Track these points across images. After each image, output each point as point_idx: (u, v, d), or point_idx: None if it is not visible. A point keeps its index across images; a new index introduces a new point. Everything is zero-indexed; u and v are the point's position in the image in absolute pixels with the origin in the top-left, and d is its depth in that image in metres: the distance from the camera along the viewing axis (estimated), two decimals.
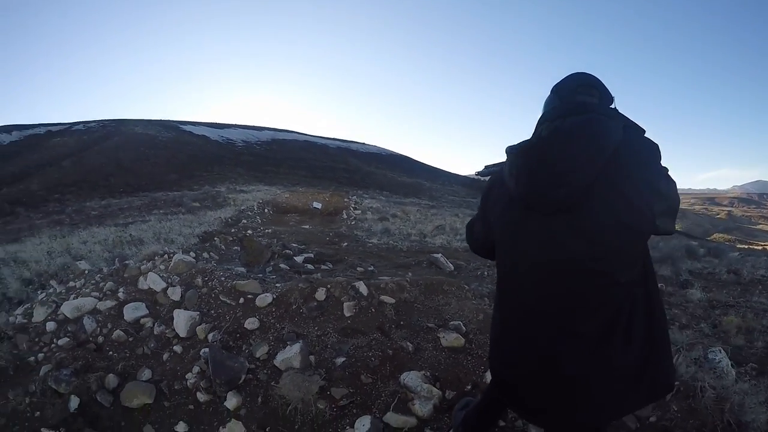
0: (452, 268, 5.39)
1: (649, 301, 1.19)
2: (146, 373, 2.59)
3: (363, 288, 3.23)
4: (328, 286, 3.27)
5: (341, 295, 3.18)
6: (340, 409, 2.17)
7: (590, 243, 1.11)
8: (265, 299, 3.19)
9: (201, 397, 2.37)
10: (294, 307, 3.13)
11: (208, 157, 34.54)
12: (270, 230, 10.22)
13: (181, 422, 2.20)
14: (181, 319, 3.01)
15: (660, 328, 1.23)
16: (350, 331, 2.83)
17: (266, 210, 14.62)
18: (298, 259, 6.32)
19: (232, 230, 10.06)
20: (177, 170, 28.96)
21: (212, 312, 3.16)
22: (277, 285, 3.48)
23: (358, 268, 5.39)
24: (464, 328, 2.77)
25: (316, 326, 2.91)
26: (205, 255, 7.05)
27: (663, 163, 1.18)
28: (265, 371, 2.49)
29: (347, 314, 3.02)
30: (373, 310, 3.05)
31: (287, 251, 6.90)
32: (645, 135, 1.19)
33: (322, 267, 5.83)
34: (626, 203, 1.09)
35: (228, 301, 3.24)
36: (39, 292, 3.75)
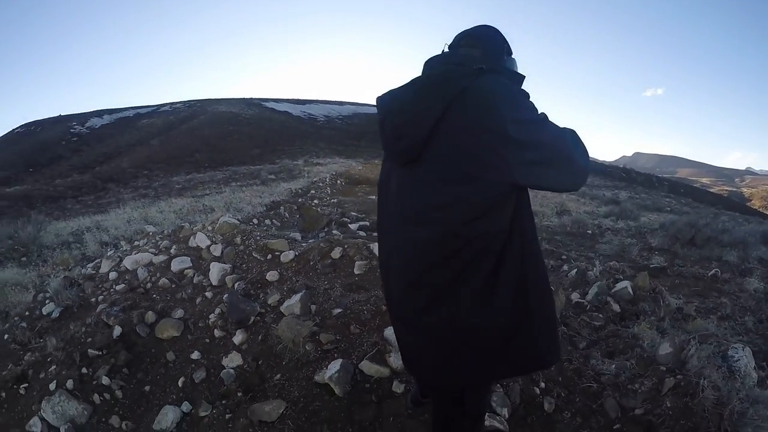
0: None
1: (523, 264, 1.11)
2: (179, 312, 3.02)
3: (376, 248, 3.38)
4: (345, 246, 3.48)
5: (355, 255, 3.37)
6: (324, 352, 2.37)
7: (434, 194, 1.07)
8: (288, 255, 3.50)
9: (217, 333, 2.73)
10: (311, 263, 3.39)
11: (289, 132, 36.55)
12: (336, 200, 10.79)
13: (196, 351, 2.58)
14: (215, 270, 3.43)
15: (537, 296, 1.14)
16: (355, 287, 3.02)
17: (338, 181, 15.31)
18: (353, 226, 6.68)
19: (299, 200, 10.78)
20: (259, 145, 31.10)
21: (243, 265, 3.53)
22: (303, 244, 3.78)
23: None
24: None
25: (326, 281, 3.14)
26: (268, 222, 7.69)
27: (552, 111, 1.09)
28: (271, 315, 2.78)
29: (357, 272, 3.20)
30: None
31: (345, 219, 7.31)
32: (503, 81, 1.07)
33: (374, 234, 6.13)
34: (467, 153, 1.02)
35: (258, 257, 3.59)
36: (110, 250, 4.45)
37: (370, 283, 3.06)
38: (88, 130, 39.06)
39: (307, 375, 2.23)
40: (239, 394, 2.20)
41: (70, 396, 2.08)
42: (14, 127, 45.67)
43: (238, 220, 4.77)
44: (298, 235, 6.04)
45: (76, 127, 39.71)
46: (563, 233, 6.35)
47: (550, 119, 1.07)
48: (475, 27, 1.22)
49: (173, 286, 3.42)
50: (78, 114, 45.73)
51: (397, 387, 2.11)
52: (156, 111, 47.21)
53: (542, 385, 2.13)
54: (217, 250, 3.82)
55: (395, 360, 2.27)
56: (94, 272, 3.65)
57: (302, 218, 7.63)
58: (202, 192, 13.43)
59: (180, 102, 50.59)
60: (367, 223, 6.85)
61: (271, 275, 3.28)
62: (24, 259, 4.96)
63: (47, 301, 3.06)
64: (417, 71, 1.17)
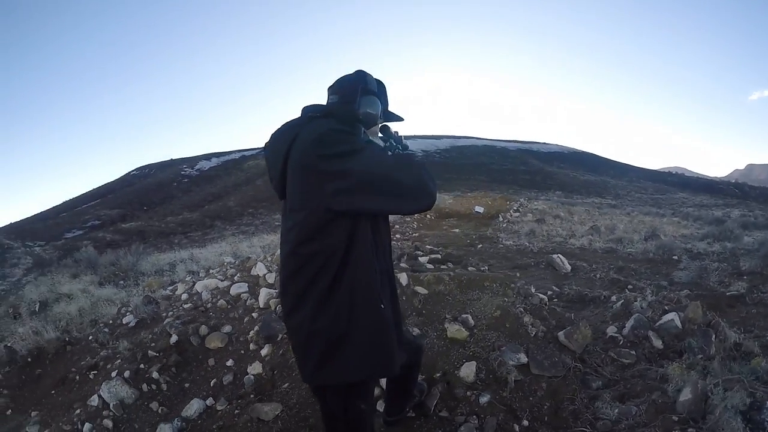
0: (569, 269, 5.40)
1: (353, 281, 1.29)
2: (227, 328, 3.54)
3: (404, 279, 3.62)
4: None
5: None
6: None
7: (286, 221, 1.37)
8: None
9: (251, 346, 3.17)
10: None
11: None
12: (417, 234, 11.15)
13: (231, 359, 3.02)
14: (263, 295, 3.93)
15: (364, 310, 1.30)
16: None
17: (428, 216, 15.68)
18: (422, 259, 6.95)
19: None
20: None
21: None
22: None
23: (470, 268, 5.74)
24: (472, 322, 2.89)
25: None
26: None
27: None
28: None
29: None
30: (404, 298, 3.41)
31: (417, 252, 7.59)
32: (326, 122, 1.29)
33: (441, 267, 6.36)
34: (299, 187, 1.28)
35: None
36: (188, 276, 5.28)
37: None
38: (197, 171, 43.80)
39: (308, 387, 2.52)
40: (252, 395, 2.57)
41: (125, 382, 2.62)
42: (130, 170, 52.59)
43: None
44: None
45: (186, 169, 44.67)
46: (642, 260, 5.94)
47: (372, 150, 1.27)
48: (340, 77, 1.47)
49: (228, 306, 3.98)
50: (188, 158, 51.46)
51: (381, 405, 2.29)
52: (260, 153, 51.82)
53: (525, 423, 2.13)
54: (271, 277, 4.35)
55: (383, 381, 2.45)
56: (170, 293, 4.39)
57: None
58: None
59: None
60: (439, 256, 7.04)
61: None
62: (122, 282, 6.06)
63: (127, 314, 3.81)
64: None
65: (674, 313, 2.84)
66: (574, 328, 2.69)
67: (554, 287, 4.19)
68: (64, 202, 43.38)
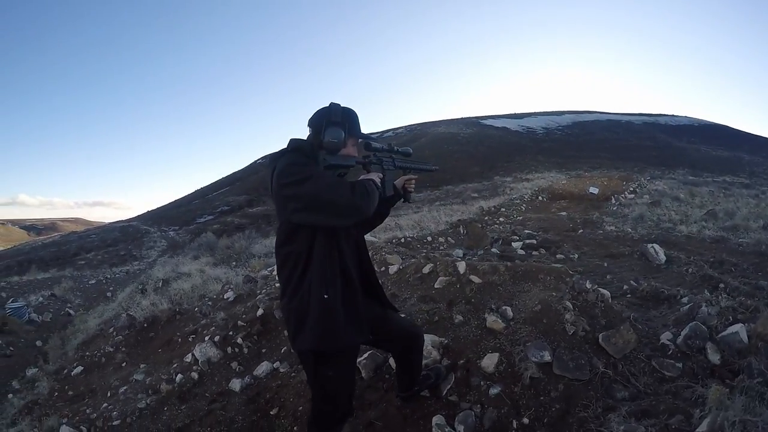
0: (662, 260, 4.96)
1: (312, 274, 1.67)
2: None
3: (461, 267, 3.75)
4: (437, 263, 3.96)
5: (441, 271, 3.82)
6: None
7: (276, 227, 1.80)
8: (393, 268, 4.23)
9: None
10: (407, 276, 4.02)
11: (508, 149, 36.96)
12: (522, 218, 10.85)
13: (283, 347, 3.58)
14: None
15: (315, 295, 1.66)
16: (428, 299, 3.50)
17: (539, 197, 15.03)
18: (516, 244, 6.92)
19: (485, 218, 11.24)
20: (479, 163, 32.43)
21: None
22: (413, 259, 4.41)
23: (557, 255, 5.63)
24: (511, 314, 2.92)
25: (409, 291, 3.72)
26: (442, 239, 8.53)
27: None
28: None
29: (437, 286, 3.66)
30: (458, 285, 3.56)
31: (514, 237, 7.53)
32: (290, 156, 1.67)
33: (533, 253, 6.30)
34: (275, 204, 1.69)
35: (377, 268, 4.43)
36: None
37: (441, 296, 3.48)
38: None
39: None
40: None
41: (213, 345, 3.37)
42: (256, 159, 58.51)
43: (376, 238, 5.75)
44: (460, 252, 6.72)
45: None
46: (751, 254, 5.13)
47: (318, 177, 1.59)
48: (316, 111, 1.82)
49: None
50: None
51: None
52: (381, 137, 54.66)
53: (525, 420, 2.18)
54: None
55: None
56: (268, 273, 5.20)
57: (467, 236, 8.10)
58: (405, 212, 15.32)
59: (402, 127, 56.98)
60: (534, 241, 6.90)
61: None
62: (234, 263, 7.25)
63: (229, 290, 4.69)
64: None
65: (742, 324, 2.46)
66: (616, 331, 2.54)
67: (632, 282, 3.84)
68: (196, 191, 50.87)
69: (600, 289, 3.18)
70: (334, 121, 1.77)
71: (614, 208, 10.73)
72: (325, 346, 1.71)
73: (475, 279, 3.57)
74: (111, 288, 11.73)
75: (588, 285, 3.17)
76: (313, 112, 1.84)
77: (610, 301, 3.07)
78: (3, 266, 21.93)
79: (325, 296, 1.67)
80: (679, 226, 7.31)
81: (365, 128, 1.87)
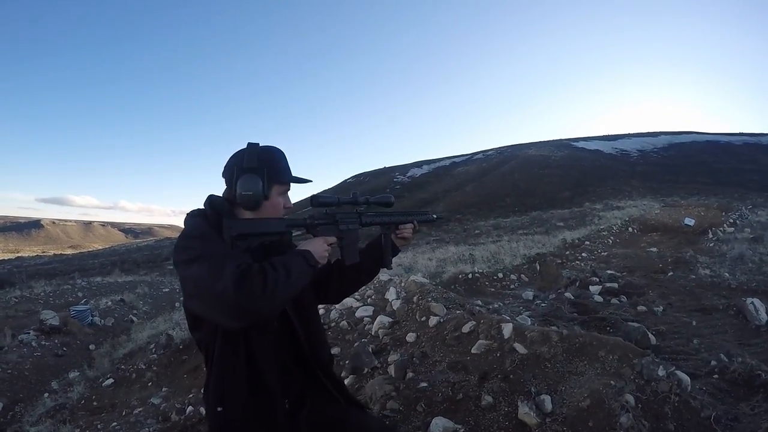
0: (764, 321, 4.21)
1: (214, 377, 1.34)
2: (335, 349, 3.94)
3: (507, 330, 3.33)
4: (481, 321, 3.57)
5: (482, 332, 3.42)
6: (382, 414, 2.71)
7: None
8: (433, 321, 3.91)
9: (344, 372, 3.47)
10: (445, 332, 3.67)
11: (600, 172, 35.21)
12: (606, 253, 9.93)
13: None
14: (377, 322, 4.21)
15: (210, 403, 1.34)
16: (459, 368, 3.13)
17: (629, 228, 13.80)
18: (594, 288, 6.32)
19: (566, 252, 10.37)
20: (570, 188, 31.11)
21: (403, 322, 4.17)
22: (457, 312, 4.05)
23: (639, 307, 5.18)
24: (549, 407, 2.47)
25: (442, 353, 3.38)
26: (514, 276, 7.99)
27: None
28: (379, 371, 3.28)
29: (474, 351, 3.28)
30: (498, 354, 3.15)
31: (593, 279, 6.84)
32: (189, 224, 1.30)
33: (611, 301, 5.73)
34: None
35: (417, 317, 4.15)
36: None
37: (478, 366, 3.10)
38: (409, 179, 48.35)
39: None
40: None
41: None
42: (347, 178, 60.89)
43: (426, 279, 5.43)
44: (530, 294, 6.24)
45: (398, 176, 49.82)
46: None
47: (205, 260, 1.18)
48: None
49: (348, 328, 4.40)
50: (400, 165, 57.29)
51: None
52: (470, 159, 54.21)
53: None
54: (396, 304, 4.59)
55: None
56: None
57: (540, 276, 7.42)
58: (480, 240, 14.72)
59: (492, 149, 56.23)
60: (616, 285, 6.23)
61: (410, 336, 3.78)
62: None
63: None
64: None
65: None
66: None
67: (722, 355, 3.12)
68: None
69: (677, 372, 2.61)
70: (248, 167, 1.37)
71: (711, 245, 9.85)
72: None
73: (519, 348, 3.13)
74: (181, 299, 12.50)
75: (661, 371, 2.63)
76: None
77: (688, 390, 2.50)
78: (97, 265, 24.63)
79: (219, 409, 1.33)
80: None
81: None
